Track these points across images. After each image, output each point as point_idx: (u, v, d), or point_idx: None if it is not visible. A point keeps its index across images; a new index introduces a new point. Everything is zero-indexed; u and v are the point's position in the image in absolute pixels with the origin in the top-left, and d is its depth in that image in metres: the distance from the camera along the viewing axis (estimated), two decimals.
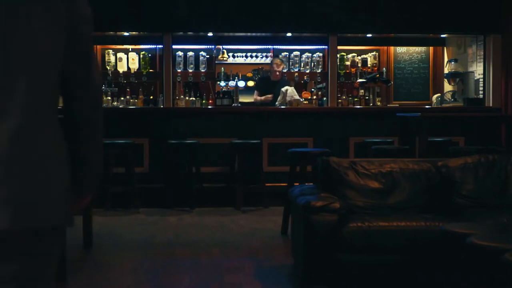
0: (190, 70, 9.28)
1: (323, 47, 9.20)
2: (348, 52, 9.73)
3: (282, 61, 9.11)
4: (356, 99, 9.16)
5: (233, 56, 9.83)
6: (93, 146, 1.88)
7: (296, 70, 9.51)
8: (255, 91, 9.18)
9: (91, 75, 1.83)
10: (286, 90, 8.62)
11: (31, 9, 1.69)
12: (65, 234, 1.79)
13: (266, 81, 9.12)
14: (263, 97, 8.93)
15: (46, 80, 1.73)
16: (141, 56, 9.32)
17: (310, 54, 9.53)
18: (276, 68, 8.93)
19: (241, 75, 9.69)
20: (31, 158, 1.67)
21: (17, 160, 1.64)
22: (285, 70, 9.46)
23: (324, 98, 9.02)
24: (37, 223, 1.66)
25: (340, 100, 8.99)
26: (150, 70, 9.30)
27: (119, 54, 9.35)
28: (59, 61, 1.76)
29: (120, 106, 8.76)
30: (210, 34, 8.90)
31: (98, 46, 9.57)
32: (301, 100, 8.74)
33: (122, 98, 8.95)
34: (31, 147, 1.67)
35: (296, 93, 8.74)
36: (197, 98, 9.05)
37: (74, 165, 1.82)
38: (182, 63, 9.25)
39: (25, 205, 1.63)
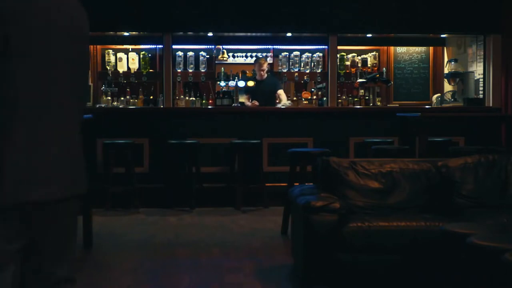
0: (190, 70, 9.28)
1: (323, 47, 9.20)
2: (348, 52, 9.73)
3: (265, 60, 9.13)
4: (356, 99, 9.16)
5: (233, 56, 9.83)
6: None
7: (296, 70, 9.51)
8: (245, 95, 9.22)
9: (88, 88, 2.46)
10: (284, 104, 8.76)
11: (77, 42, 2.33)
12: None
13: (253, 81, 9.16)
14: (250, 104, 8.85)
15: (77, 89, 2.34)
16: (141, 56, 9.32)
17: (310, 54, 9.52)
18: (260, 68, 8.95)
19: (241, 75, 9.69)
20: (78, 148, 2.32)
21: (73, 149, 2.30)
22: (285, 70, 9.47)
23: (324, 98, 9.02)
24: (78, 191, 2.34)
25: (340, 100, 9.00)
26: (150, 70, 9.30)
27: (119, 54, 9.34)
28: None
29: (120, 106, 8.76)
30: (210, 34, 8.90)
31: (98, 46, 9.58)
32: (288, 103, 8.83)
33: (122, 98, 8.95)
34: (70, 139, 2.30)
35: (285, 100, 8.90)
36: (197, 98, 9.05)
37: None
38: (182, 63, 9.25)
39: (76, 179, 2.31)
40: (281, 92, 9.02)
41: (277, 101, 9.11)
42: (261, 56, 9.69)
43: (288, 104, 8.81)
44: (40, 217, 2.25)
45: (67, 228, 2.36)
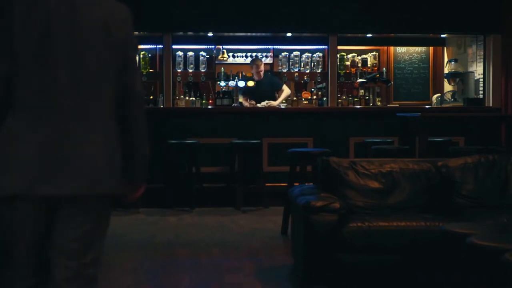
0: (190, 70, 9.27)
1: (323, 47, 9.20)
2: (348, 52, 9.73)
3: (261, 61, 9.16)
4: (356, 99, 9.16)
5: (233, 56, 9.83)
6: (138, 139, 2.49)
7: (296, 70, 9.50)
8: (242, 96, 9.24)
9: (135, 88, 2.45)
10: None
11: (99, 44, 2.34)
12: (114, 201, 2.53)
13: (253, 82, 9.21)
14: (248, 104, 8.88)
15: (106, 93, 2.37)
16: (141, 56, 9.31)
17: (310, 54, 9.52)
18: (257, 69, 9.00)
19: (241, 75, 9.70)
20: (98, 148, 2.34)
21: (88, 149, 2.32)
22: (285, 70, 9.48)
23: (324, 98, 9.02)
24: (102, 190, 2.38)
25: (340, 100, 8.99)
26: (150, 70, 9.29)
27: None
28: (115, 79, 2.39)
29: None
30: (210, 34, 8.90)
31: None
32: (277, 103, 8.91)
33: None
34: (97, 140, 2.34)
35: (283, 97, 8.97)
36: (197, 98, 9.05)
37: (125, 158, 2.47)
38: (182, 63, 9.24)
39: (95, 178, 2.34)
40: (284, 88, 9.07)
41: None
42: (261, 56, 9.70)
43: (277, 103, 8.83)
44: (52, 212, 2.35)
45: (85, 226, 2.39)
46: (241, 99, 9.31)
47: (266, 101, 8.76)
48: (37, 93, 2.29)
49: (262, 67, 9.04)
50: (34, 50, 2.27)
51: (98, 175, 2.35)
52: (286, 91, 9.05)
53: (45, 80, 2.29)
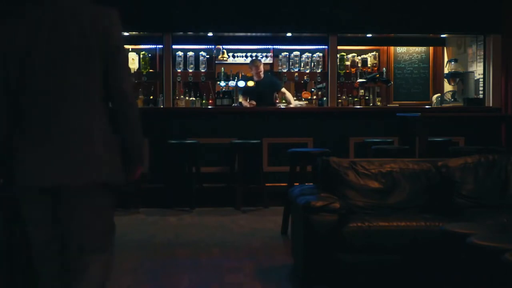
0: (190, 70, 9.28)
1: (323, 47, 9.20)
2: (348, 52, 9.73)
3: (260, 62, 9.17)
4: (356, 99, 9.16)
5: (233, 56, 9.83)
6: (130, 130, 2.78)
7: (296, 70, 9.51)
8: (242, 96, 9.24)
9: (121, 87, 2.67)
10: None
11: (79, 46, 2.53)
12: (116, 191, 2.79)
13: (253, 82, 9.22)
14: (248, 104, 8.88)
15: (92, 93, 2.59)
16: (141, 56, 9.31)
17: (310, 54, 9.52)
18: (256, 70, 9.01)
19: (241, 75, 9.69)
20: (89, 143, 2.57)
21: (80, 144, 2.55)
22: (285, 70, 9.48)
23: (324, 98, 9.03)
24: (96, 179, 2.60)
25: (340, 100, 9.00)
26: (150, 70, 9.29)
27: None
28: (101, 78, 2.60)
29: None
30: (210, 34, 8.90)
31: None
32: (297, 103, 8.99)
33: None
34: (89, 136, 2.56)
35: (292, 99, 9.11)
36: (197, 98, 9.05)
37: (122, 148, 2.73)
38: (182, 63, 9.24)
39: (88, 169, 2.57)
40: (284, 91, 9.10)
41: (277, 101, 9.16)
42: (261, 56, 9.69)
43: (298, 104, 8.90)
44: (57, 203, 2.62)
45: (85, 214, 2.68)
46: (241, 99, 9.31)
47: (295, 103, 8.91)
48: (30, 104, 2.56)
49: (261, 68, 9.04)
50: (20, 66, 2.53)
51: (91, 166, 2.58)
52: (287, 92, 9.13)
53: (34, 93, 2.55)
